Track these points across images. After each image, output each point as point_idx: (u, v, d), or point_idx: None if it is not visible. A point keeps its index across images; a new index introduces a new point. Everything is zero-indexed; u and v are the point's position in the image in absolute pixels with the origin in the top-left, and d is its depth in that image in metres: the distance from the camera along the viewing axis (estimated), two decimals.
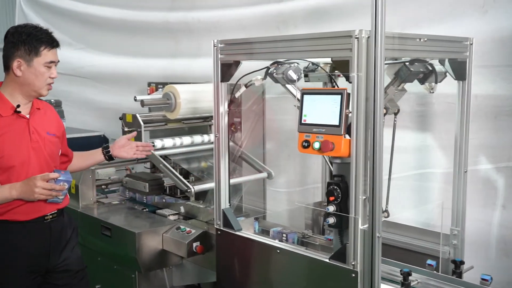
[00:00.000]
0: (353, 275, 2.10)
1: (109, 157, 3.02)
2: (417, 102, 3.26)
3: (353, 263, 2.10)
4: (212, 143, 3.65)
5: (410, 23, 3.18)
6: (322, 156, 3.27)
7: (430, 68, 2.47)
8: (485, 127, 2.99)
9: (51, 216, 2.66)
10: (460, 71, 2.63)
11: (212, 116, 3.70)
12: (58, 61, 2.59)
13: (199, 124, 3.80)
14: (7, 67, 2.52)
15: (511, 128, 3.00)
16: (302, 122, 2.23)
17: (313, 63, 2.87)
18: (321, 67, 2.77)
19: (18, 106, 2.54)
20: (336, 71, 2.83)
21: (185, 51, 4.85)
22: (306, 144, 2.19)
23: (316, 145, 2.14)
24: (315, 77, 2.99)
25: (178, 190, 3.67)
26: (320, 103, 2.17)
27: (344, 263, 2.14)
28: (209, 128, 3.82)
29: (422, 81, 2.54)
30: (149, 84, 4.49)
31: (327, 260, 2.20)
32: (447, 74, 2.63)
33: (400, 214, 2.94)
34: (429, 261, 2.51)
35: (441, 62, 2.61)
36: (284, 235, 2.92)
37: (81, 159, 3.02)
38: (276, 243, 2.49)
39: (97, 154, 3.03)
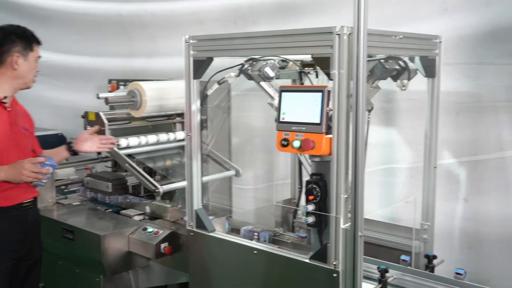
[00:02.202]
0: (335, 275, 2.09)
1: (74, 153, 3.13)
2: (382, 99, 3.29)
3: (334, 262, 2.09)
4: (177, 141, 3.59)
5: (374, 22, 3.19)
6: (292, 153, 3.26)
7: (404, 66, 2.49)
8: (447, 122, 3.05)
9: (28, 204, 2.87)
10: (429, 69, 2.66)
11: (177, 114, 3.68)
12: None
13: (163, 122, 3.70)
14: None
15: (472, 123, 3.08)
16: (281, 120, 2.19)
17: (283, 60, 2.84)
18: (294, 63, 2.73)
19: (5, 97, 2.75)
20: (305, 68, 2.83)
21: (140, 47, 4.72)
22: (285, 143, 2.15)
23: (296, 143, 2.11)
24: (285, 74, 2.96)
25: (142, 189, 3.58)
26: (299, 101, 2.14)
27: (325, 263, 2.12)
28: (173, 125, 3.73)
29: (395, 78, 2.55)
30: (109, 81, 4.34)
31: (308, 261, 2.18)
32: (417, 71, 2.66)
33: (369, 209, 2.97)
34: (403, 257, 2.54)
35: (411, 59, 2.63)
36: (256, 233, 2.89)
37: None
38: (253, 243, 2.45)
39: (61, 151, 3.12)
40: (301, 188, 3.27)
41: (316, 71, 2.79)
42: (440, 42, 2.68)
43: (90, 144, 3.11)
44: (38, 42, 2.88)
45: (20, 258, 2.91)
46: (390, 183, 3.43)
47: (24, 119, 2.94)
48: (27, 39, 2.81)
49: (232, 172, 3.54)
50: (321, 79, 2.76)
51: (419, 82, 2.68)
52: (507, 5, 2.87)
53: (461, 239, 3.18)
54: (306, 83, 2.90)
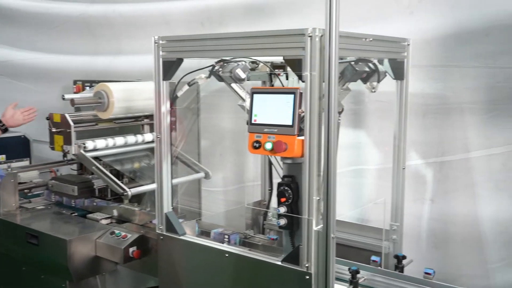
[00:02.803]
0: (307, 277, 2.08)
1: (4, 130, 3.38)
2: (351, 101, 3.31)
3: (306, 265, 2.09)
4: (145, 143, 3.54)
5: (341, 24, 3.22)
6: (262, 155, 3.25)
7: (373, 68, 2.51)
8: (415, 124, 3.09)
9: None
10: (398, 71, 2.69)
11: (145, 116, 3.63)
12: None
13: (131, 123, 3.64)
14: None
15: (439, 125, 3.13)
16: (253, 122, 2.18)
17: (253, 62, 2.83)
18: (265, 64, 2.72)
19: None
20: (276, 70, 2.83)
21: (105, 47, 4.64)
22: (257, 145, 2.14)
23: (268, 145, 2.10)
24: (255, 75, 2.95)
25: (109, 192, 3.51)
26: (271, 103, 2.13)
27: (297, 265, 2.11)
28: (141, 127, 3.67)
29: (365, 81, 2.57)
30: (75, 82, 4.24)
31: (280, 263, 2.17)
32: (386, 73, 2.69)
33: (339, 211, 2.99)
34: (373, 257, 2.57)
35: (380, 61, 2.66)
36: (226, 236, 2.87)
37: None
38: (224, 246, 2.43)
39: None
40: (271, 190, 3.26)
41: (286, 73, 2.80)
42: (408, 45, 2.71)
43: (17, 117, 3.38)
44: None
45: None
46: (359, 184, 3.46)
47: None
48: None
49: (201, 174, 3.51)
50: (291, 81, 2.77)
51: (387, 84, 2.72)
52: (471, 9, 2.93)
53: (429, 239, 3.23)
54: (276, 84, 2.90)
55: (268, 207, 3.29)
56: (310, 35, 1.97)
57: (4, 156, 4.23)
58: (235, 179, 3.90)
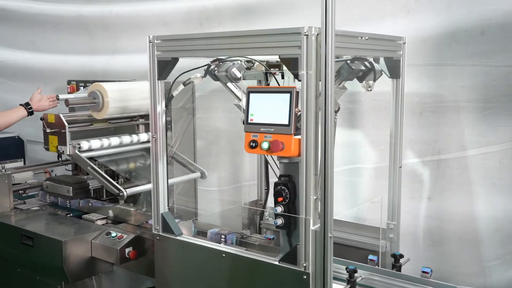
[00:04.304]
0: (305, 276, 2.08)
1: (31, 113, 3.42)
2: (346, 100, 3.31)
3: (304, 264, 2.08)
4: (141, 143, 3.52)
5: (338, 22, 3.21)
6: (258, 154, 3.24)
7: (369, 66, 2.50)
8: (411, 123, 3.09)
9: None
10: (394, 69, 2.69)
11: (140, 115, 3.61)
12: None
13: (125, 123, 3.62)
14: None
15: (435, 124, 3.13)
16: (249, 121, 2.16)
17: (248, 61, 2.81)
18: (260, 63, 2.71)
19: None
20: (272, 69, 2.81)
21: (101, 48, 4.62)
22: (253, 144, 2.13)
23: (265, 145, 2.09)
24: (250, 75, 2.93)
25: (104, 193, 3.49)
26: (267, 102, 2.12)
27: (295, 265, 2.10)
28: (136, 127, 3.65)
29: (361, 79, 2.56)
30: (69, 82, 4.22)
31: (277, 263, 2.16)
32: (382, 72, 2.68)
33: (336, 210, 2.98)
34: (370, 256, 2.56)
35: (376, 60, 2.65)
36: (223, 236, 2.86)
37: (2, 120, 3.36)
38: (221, 247, 2.42)
39: (18, 111, 3.37)
40: (267, 189, 3.25)
41: (282, 72, 2.78)
42: (404, 43, 2.71)
43: (43, 102, 3.42)
44: None
45: None
46: (355, 183, 3.45)
47: None
48: None
49: (197, 174, 3.50)
50: (286, 80, 2.76)
51: (383, 83, 2.71)
52: (466, 7, 2.93)
53: (426, 237, 3.23)
54: (272, 83, 2.89)
55: (264, 206, 3.28)
56: (306, 33, 1.96)
57: None
58: (232, 179, 3.89)
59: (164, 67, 2.47)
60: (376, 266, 2.49)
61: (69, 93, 4.05)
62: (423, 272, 2.39)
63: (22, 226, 3.20)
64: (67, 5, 4.75)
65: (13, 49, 5.10)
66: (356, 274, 2.27)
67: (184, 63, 2.55)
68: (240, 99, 2.44)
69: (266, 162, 3.17)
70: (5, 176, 3.43)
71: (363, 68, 2.47)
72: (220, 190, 3.93)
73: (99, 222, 3.23)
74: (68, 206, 3.50)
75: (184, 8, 4.07)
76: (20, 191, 3.65)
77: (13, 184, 3.53)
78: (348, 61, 2.39)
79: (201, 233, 2.96)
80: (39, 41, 4.97)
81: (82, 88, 3.98)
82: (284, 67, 2.57)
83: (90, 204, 3.43)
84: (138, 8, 4.32)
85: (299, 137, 2.04)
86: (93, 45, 4.67)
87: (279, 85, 2.52)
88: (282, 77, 2.77)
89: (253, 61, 2.80)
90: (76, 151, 3.22)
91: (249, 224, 3.26)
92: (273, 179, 2.98)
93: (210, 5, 3.93)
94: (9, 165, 3.90)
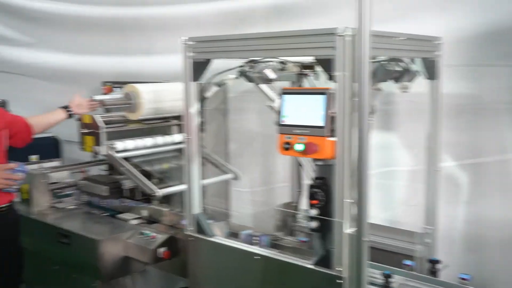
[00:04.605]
0: (339, 281, 2.05)
1: (70, 116, 3.37)
2: (382, 101, 3.25)
3: (339, 268, 2.05)
4: (174, 144, 3.54)
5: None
6: (291, 156, 3.21)
7: (405, 67, 2.45)
8: (448, 125, 3.01)
9: (4, 208, 2.94)
10: (431, 70, 2.63)
11: (173, 116, 3.63)
12: None
13: (159, 124, 3.65)
14: None
15: (473, 126, 3.04)
16: (282, 123, 2.14)
17: (281, 62, 2.79)
18: (294, 64, 2.68)
19: None
20: (303, 70, 2.78)
21: (136, 49, 4.66)
22: (287, 146, 2.11)
23: (299, 147, 2.07)
24: (284, 76, 2.91)
25: (138, 193, 3.52)
26: (302, 104, 2.10)
27: (329, 269, 2.08)
28: (170, 128, 3.67)
29: (396, 80, 2.51)
30: (104, 84, 4.27)
31: (312, 266, 2.14)
32: (418, 73, 2.62)
33: (370, 213, 2.94)
34: (406, 261, 2.50)
35: (412, 61, 2.60)
36: (256, 238, 2.84)
37: (42, 122, 3.33)
38: (254, 249, 2.40)
39: (58, 114, 3.33)
40: (300, 191, 3.22)
41: (315, 73, 2.75)
42: (441, 43, 2.65)
43: (84, 106, 3.36)
44: None
45: None
46: (390, 186, 3.38)
47: None
48: None
49: (230, 175, 3.50)
50: (320, 81, 2.72)
51: (418, 84, 2.66)
52: (506, 6, 2.84)
53: (464, 243, 3.14)
54: (304, 85, 2.86)
55: (297, 209, 3.25)
56: (341, 34, 1.93)
57: (37, 156, 4.30)
58: (264, 180, 3.87)
59: (198, 68, 2.48)
60: (412, 272, 2.43)
61: (104, 94, 4.10)
62: (462, 278, 2.32)
63: (59, 224, 3.27)
64: (102, 7, 4.82)
65: (53, 50, 5.20)
66: (391, 279, 2.23)
67: (217, 64, 2.56)
68: (273, 101, 2.42)
69: (299, 164, 3.14)
70: (42, 176, 3.50)
71: (398, 69, 2.42)
72: (253, 192, 3.92)
73: (133, 222, 3.26)
74: (103, 205, 3.54)
75: (217, 9, 4.07)
76: (56, 190, 3.72)
77: (50, 183, 3.60)
78: (383, 62, 2.35)
79: (233, 234, 2.96)
80: (75, 42, 5.06)
81: (117, 89, 4.02)
82: (319, 68, 2.55)
83: (124, 204, 3.46)
84: (171, 10, 4.35)
85: (334, 139, 2.01)
86: (127, 46, 4.72)
87: (312, 86, 2.49)
88: (316, 79, 2.75)
89: (286, 62, 2.78)
90: (111, 152, 3.26)
91: (282, 226, 3.23)
92: (306, 181, 2.95)
93: (243, 7, 3.93)
94: (46, 165, 4.00)
